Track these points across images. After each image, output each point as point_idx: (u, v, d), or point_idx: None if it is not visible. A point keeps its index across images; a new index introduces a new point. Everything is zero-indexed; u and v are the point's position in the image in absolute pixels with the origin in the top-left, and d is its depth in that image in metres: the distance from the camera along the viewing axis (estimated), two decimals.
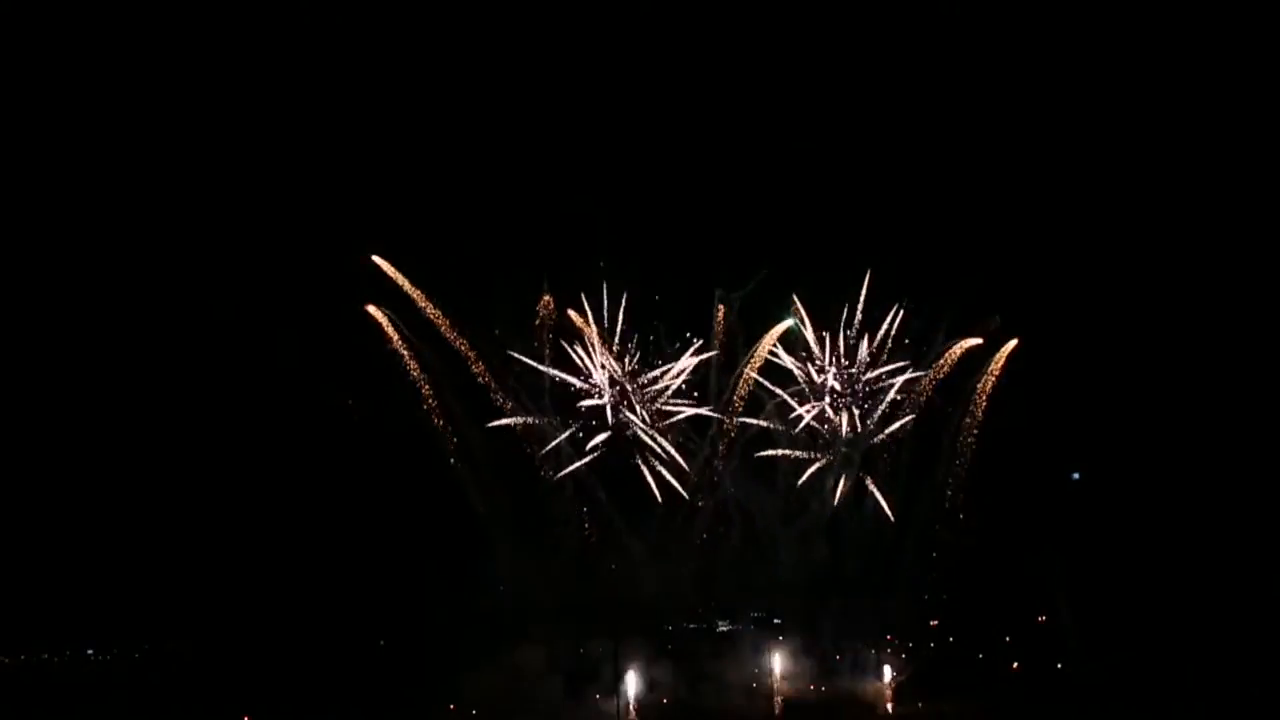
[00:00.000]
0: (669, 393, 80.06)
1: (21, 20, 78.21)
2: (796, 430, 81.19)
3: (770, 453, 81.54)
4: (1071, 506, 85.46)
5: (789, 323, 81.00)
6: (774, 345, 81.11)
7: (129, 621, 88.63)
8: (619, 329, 79.26)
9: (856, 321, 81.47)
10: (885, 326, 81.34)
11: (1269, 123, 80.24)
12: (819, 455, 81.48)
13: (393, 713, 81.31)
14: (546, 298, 78.91)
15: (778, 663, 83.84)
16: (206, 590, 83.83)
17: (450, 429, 78.59)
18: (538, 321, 78.90)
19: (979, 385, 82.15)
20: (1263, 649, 78.15)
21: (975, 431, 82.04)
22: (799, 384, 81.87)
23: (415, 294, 77.52)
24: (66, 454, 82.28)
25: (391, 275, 77.38)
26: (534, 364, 78.54)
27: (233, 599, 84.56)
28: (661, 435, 79.30)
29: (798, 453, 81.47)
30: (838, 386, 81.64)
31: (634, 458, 79.51)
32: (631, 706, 79.94)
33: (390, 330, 77.13)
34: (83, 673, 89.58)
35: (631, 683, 80.00)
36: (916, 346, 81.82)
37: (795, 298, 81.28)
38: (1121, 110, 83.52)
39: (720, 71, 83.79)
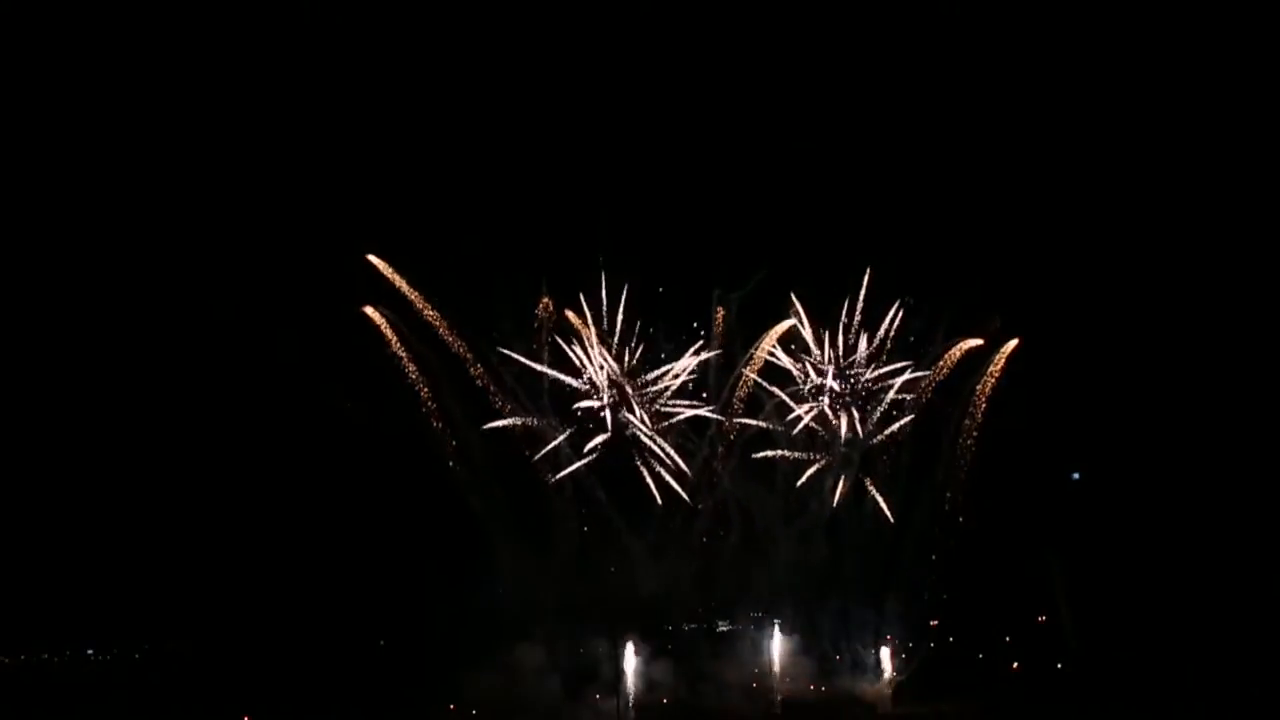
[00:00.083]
0: (668, 394, 79.97)
1: (21, 20, 78.12)
2: (795, 431, 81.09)
3: (769, 453, 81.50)
4: (1071, 506, 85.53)
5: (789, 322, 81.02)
6: (773, 345, 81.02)
7: (129, 621, 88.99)
8: (618, 329, 79.19)
9: (856, 321, 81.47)
10: (885, 326, 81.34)
11: (1269, 123, 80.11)
12: (818, 456, 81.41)
13: (393, 713, 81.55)
14: (545, 299, 78.77)
15: (777, 663, 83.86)
16: (206, 590, 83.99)
17: (449, 430, 78.45)
18: (536, 323, 78.84)
19: (979, 385, 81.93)
20: (1263, 649, 78.13)
21: (975, 434, 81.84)
22: (798, 384, 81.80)
23: (413, 295, 77.28)
24: (66, 454, 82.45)
25: (389, 276, 77.17)
26: (533, 364, 78.35)
27: (233, 599, 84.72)
28: (661, 436, 79.19)
29: (797, 454, 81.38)
30: (837, 387, 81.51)
31: (633, 459, 79.46)
32: (631, 706, 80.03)
33: (388, 331, 76.96)
34: (83, 673, 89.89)
35: (631, 682, 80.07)
36: (916, 346, 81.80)
37: (794, 297, 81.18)
38: (1121, 110, 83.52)
39: (719, 71, 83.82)
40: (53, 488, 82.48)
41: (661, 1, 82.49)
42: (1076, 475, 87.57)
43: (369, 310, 76.89)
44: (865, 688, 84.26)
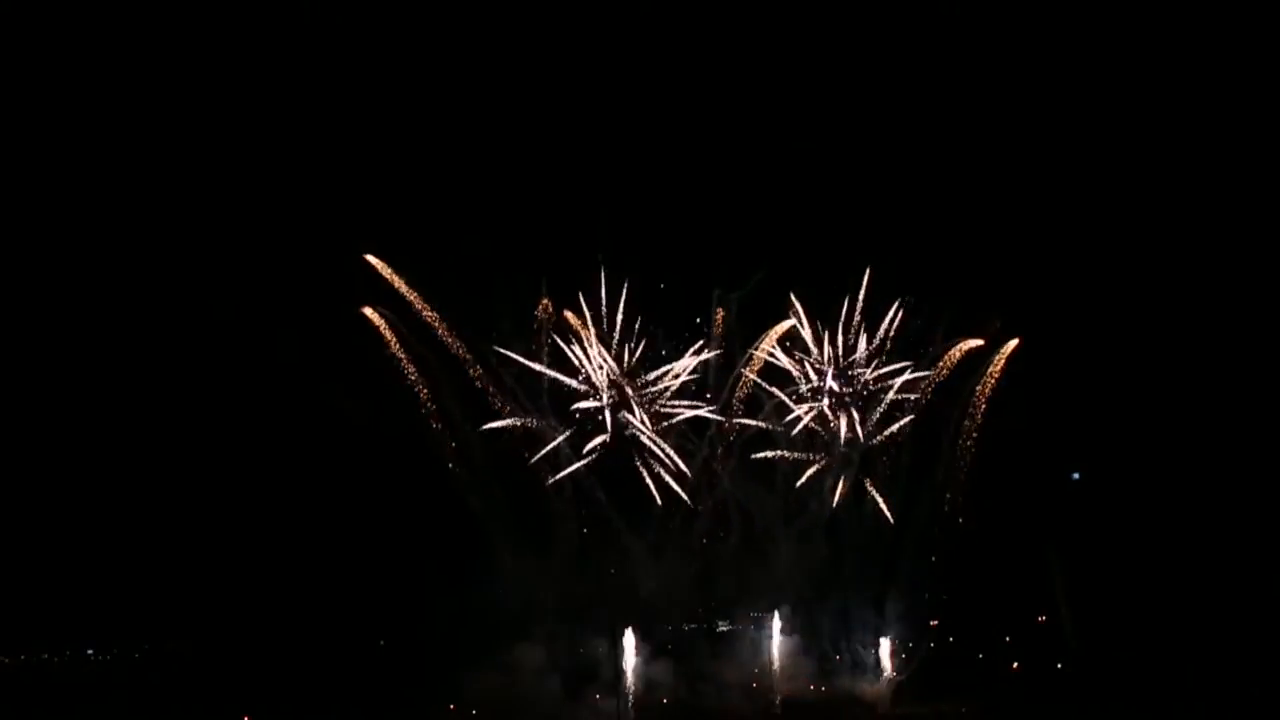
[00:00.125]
0: (668, 394, 79.90)
1: (21, 20, 78.04)
2: (795, 431, 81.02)
3: (769, 454, 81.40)
4: (1071, 506, 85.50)
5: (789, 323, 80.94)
6: (773, 346, 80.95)
7: (129, 621, 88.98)
8: (617, 330, 79.08)
9: (856, 322, 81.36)
10: (885, 325, 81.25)
11: (1269, 123, 80.00)
12: (818, 456, 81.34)
13: (393, 713, 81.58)
14: (545, 299, 78.66)
15: (777, 663, 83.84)
16: (206, 590, 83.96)
17: (448, 431, 78.40)
18: (535, 324, 78.73)
19: (979, 385, 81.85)
20: (1263, 649, 78.11)
21: (975, 434, 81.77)
22: (798, 385, 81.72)
23: (412, 296, 77.17)
24: (66, 455, 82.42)
25: (388, 277, 77.08)
26: (532, 365, 78.29)
27: (233, 599, 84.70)
28: (660, 437, 79.12)
29: (796, 454, 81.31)
30: (836, 387, 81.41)
31: (633, 459, 79.39)
32: (631, 706, 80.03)
33: (387, 332, 76.89)
34: (83, 673, 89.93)
35: (631, 682, 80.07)
36: (916, 346, 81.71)
37: (794, 297, 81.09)
38: (1122, 110, 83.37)
39: (719, 71, 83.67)
40: (53, 488, 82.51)
41: (661, 1, 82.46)
42: (1076, 475, 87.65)
43: (368, 311, 76.77)
44: (865, 688, 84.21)
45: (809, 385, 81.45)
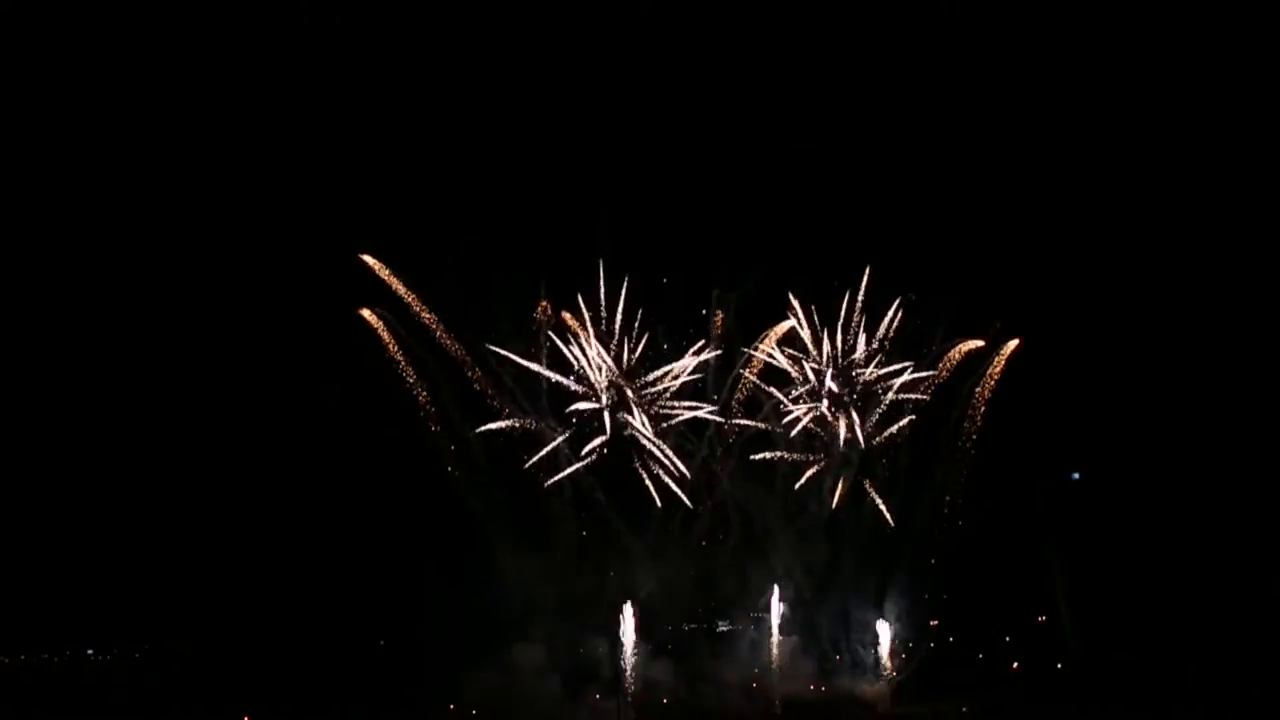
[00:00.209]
0: (667, 395, 79.75)
1: (21, 20, 77.99)
2: (794, 432, 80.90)
3: (768, 455, 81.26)
4: (1071, 506, 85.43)
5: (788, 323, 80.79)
6: (772, 346, 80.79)
7: (129, 621, 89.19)
8: (616, 330, 78.93)
9: (855, 322, 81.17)
10: (885, 324, 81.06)
11: (1269, 123, 79.82)
12: (817, 457, 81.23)
13: (393, 713, 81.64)
14: (544, 300, 78.51)
15: (777, 663, 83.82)
16: (206, 590, 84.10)
17: (447, 432, 78.32)
18: (534, 325, 78.56)
19: (979, 386, 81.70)
20: (1263, 649, 78.05)
21: (974, 434, 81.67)
22: (797, 385, 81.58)
23: (410, 297, 77.03)
24: (66, 455, 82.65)
25: (385, 278, 76.93)
26: (530, 366, 78.15)
27: (233, 599, 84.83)
28: (660, 437, 79.01)
29: (796, 455, 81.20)
30: (835, 388, 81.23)
31: (633, 460, 79.30)
32: (631, 706, 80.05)
33: (385, 333, 76.76)
34: (83, 673, 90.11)
35: (631, 682, 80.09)
36: (916, 347, 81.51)
37: (793, 297, 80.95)
38: (1122, 111, 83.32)
39: (718, 71, 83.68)
40: (53, 488, 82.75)
41: (661, 1, 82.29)
42: (1076, 475, 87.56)
43: (365, 312, 76.64)
44: (865, 688, 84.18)
45: (808, 386, 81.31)
